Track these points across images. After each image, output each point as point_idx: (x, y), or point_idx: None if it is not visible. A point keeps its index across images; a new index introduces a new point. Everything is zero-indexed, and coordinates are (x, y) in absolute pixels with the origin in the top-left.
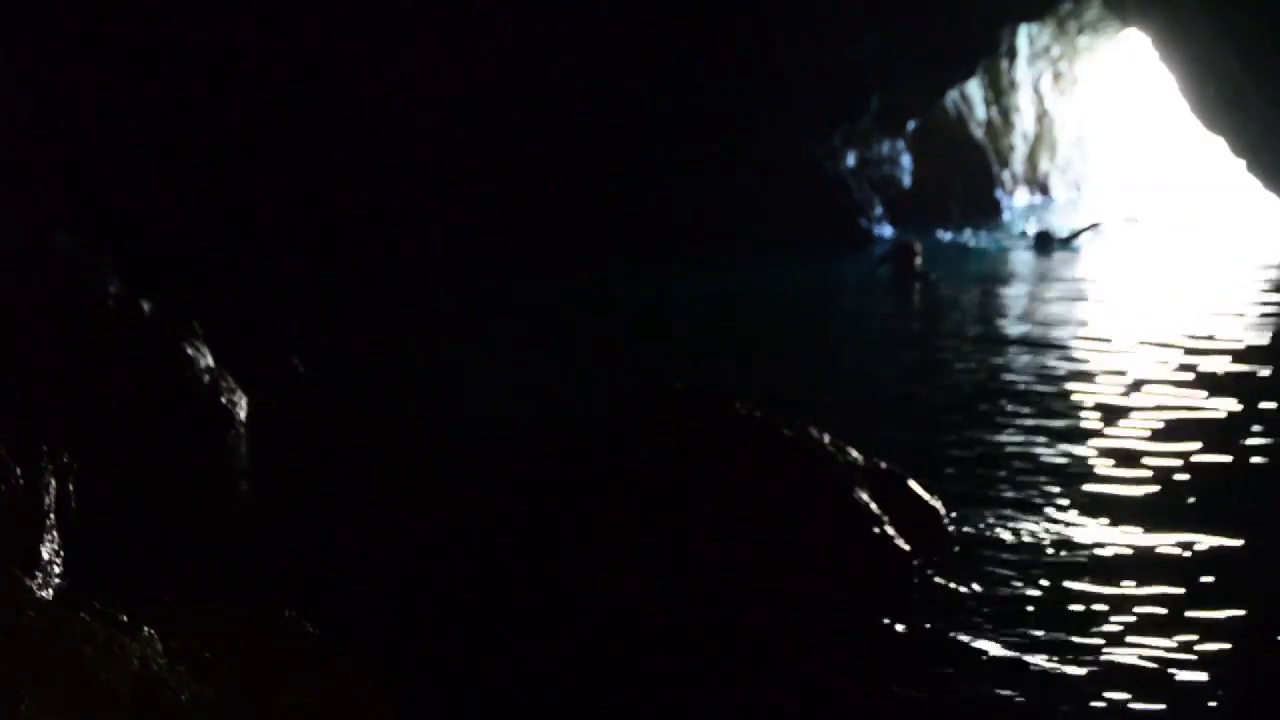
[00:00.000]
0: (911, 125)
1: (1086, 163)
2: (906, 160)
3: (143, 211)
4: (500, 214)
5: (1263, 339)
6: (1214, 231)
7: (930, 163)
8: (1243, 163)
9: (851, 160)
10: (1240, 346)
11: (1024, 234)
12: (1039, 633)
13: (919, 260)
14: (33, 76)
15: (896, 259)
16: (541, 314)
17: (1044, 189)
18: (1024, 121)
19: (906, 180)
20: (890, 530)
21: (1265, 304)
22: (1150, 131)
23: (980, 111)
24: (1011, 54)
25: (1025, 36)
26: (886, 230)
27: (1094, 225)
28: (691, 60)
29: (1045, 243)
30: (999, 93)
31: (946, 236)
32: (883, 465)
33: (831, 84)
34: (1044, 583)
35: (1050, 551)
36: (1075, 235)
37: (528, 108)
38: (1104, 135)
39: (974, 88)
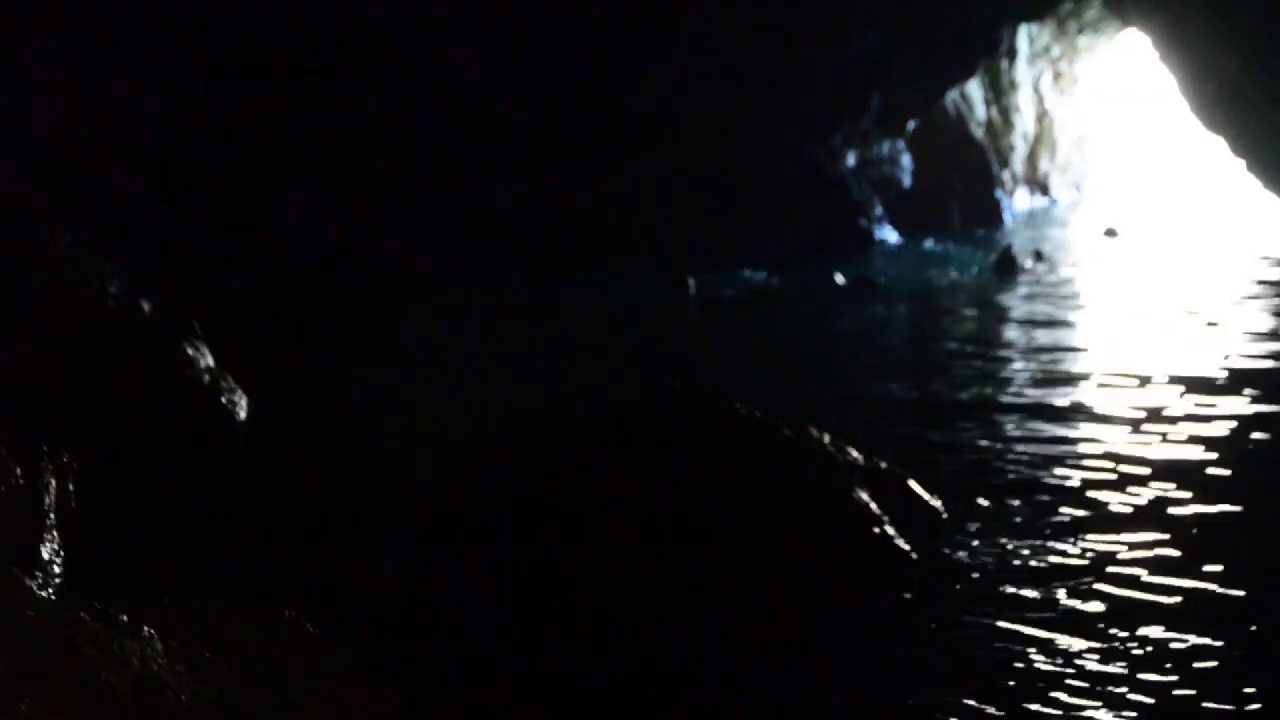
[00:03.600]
0: (912, 125)
1: (1087, 163)
2: (907, 160)
3: (143, 212)
4: (500, 214)
5: (1246, 350)
6: (1202, 241)
7: (930, 163)
8: (1242, 162)
9: (851, 160)
10: (1227, 358)
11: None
12: (1039, 632)
13: (691, 291)
14: (33, 76)
15: (677, 289)
16: (539, 314)
17: (1044, 189)
18: (1024, 121)
19: (907, 180)
20: (890, 530)
21: (1250, 318)
22: (1150, 131)
23: (980, 111)
24: (1011, 54)
25: (1025, 36)
26: (887, 230)
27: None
28: (691, 60)
29: (1007, 266)
30: (999, 93)
31: (929, 245)
32: (883, 465)
33: (832, 84)
34: (1044, 582)
35: (1050, 551)
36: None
37: (527, 106)
38: (1104, 135)
39: (974, 88)
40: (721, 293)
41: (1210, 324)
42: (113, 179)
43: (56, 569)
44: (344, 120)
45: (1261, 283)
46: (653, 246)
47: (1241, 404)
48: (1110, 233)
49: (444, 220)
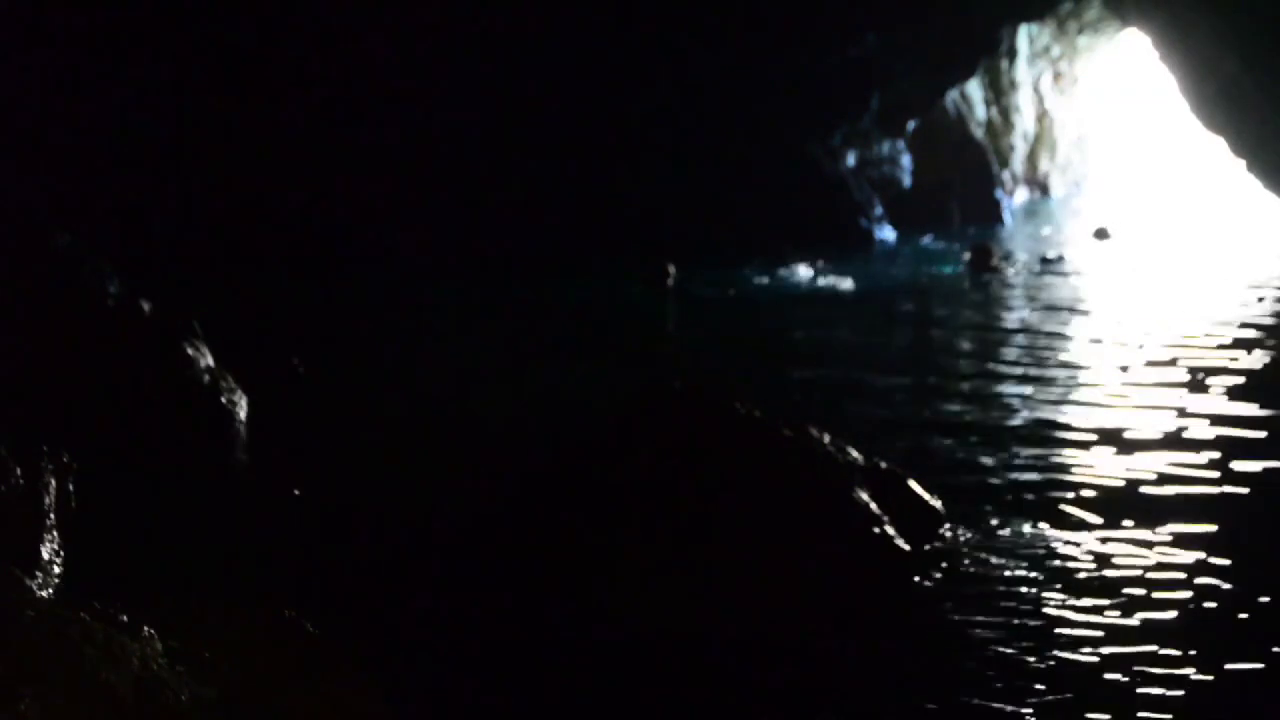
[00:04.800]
0: (912, 125)
1: (1087, 162)
2: (907, 160)
3: (143, 211)
4: (500, 214)
5: (1244, 347)
6: (1194, 244)
7: (930, 163)
8: (1243, 163)
9: (851, 160)
10: (1228, 355)
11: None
12: (1039, 632)
13: (670, 280)
14: (33, 75)
15: (655, 277)
16: (540, 314)
17: (1044, 189)
18: (1024, 121)
19: (907, 180)
20: (890, 530)
21: (1243, 315)
22: (1150, 131)
23: (980, 111)
24: (1011, 54)
25: (1025, 36)
26: (887, 230)
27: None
28: (691, 60)
29: (982, 262)
30: (999, 92)
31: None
32: (883, 465)
33: (831, 84)
34: (1044, 582)
35: (1051, 550)
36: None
37: (527, 107)
38: (1104, 135)
39: (974, 88)
40: (702, 291)
41: (1192, 327)
42: (113, 179)
43: (56, 569)
44: (344, 122)
45: (1252, 289)
46: (654, 246)
47: (1238, 405)
48: (1100, 234)
49: (444, 220)
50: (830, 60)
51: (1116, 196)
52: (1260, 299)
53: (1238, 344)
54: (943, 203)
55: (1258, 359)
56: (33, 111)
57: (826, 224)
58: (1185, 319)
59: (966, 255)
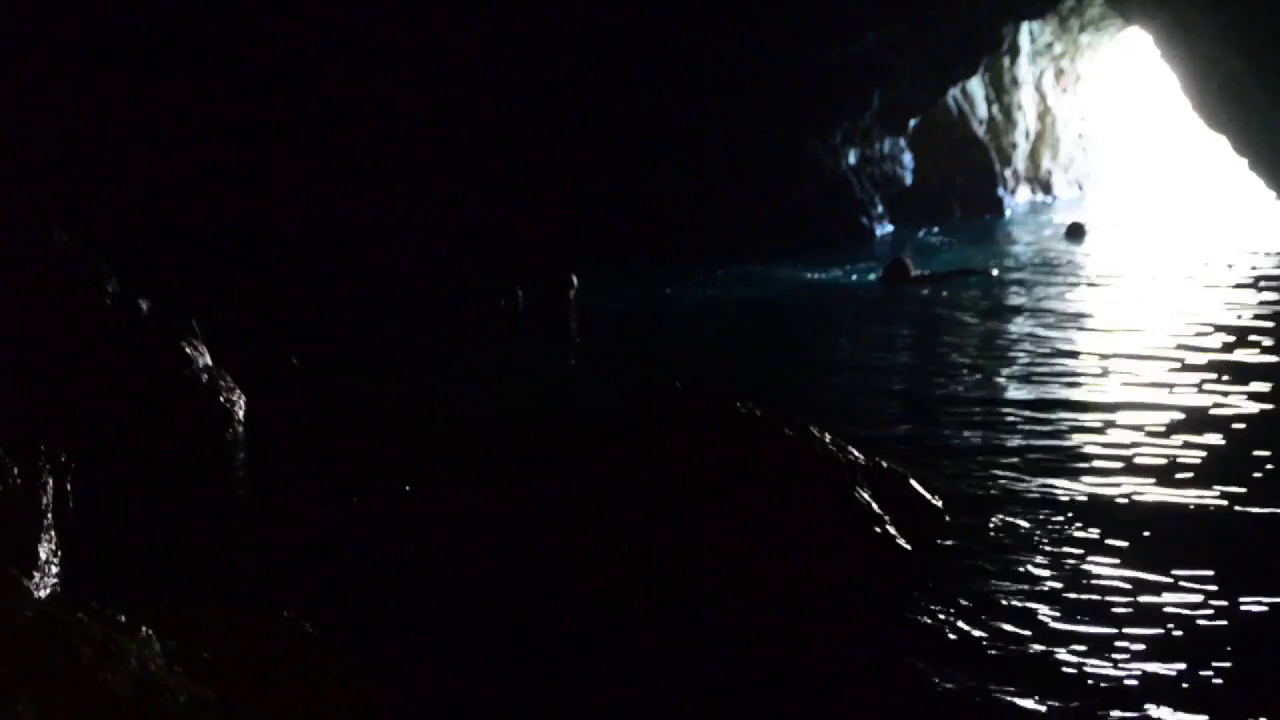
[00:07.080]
0: (913, 123)
1: (1089, 160)
2: (908, 158)
3: (143, 211)
4: (499, 213)
5: (1245, 332)
6: (1181, 243)
7: (932, 160)
8: (1245, 160)
9: (853, 158)
10: (1231, 350)
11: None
12: (1040, 631)
13: (573, 291)
14: (33, 75)
15: (554, 288)
16: (541, 314)
17: (1046, 187)
18: (1026, 119)
19: (908, 178)
20: (891, 529)
21: (1231, 306)
22: (1153, 129)
23: (982, 109)
24: (1013, 51)
25: (1027, 34)
26: (887, 228)
27: (967, 272)
28: (693, 59)
29: (897, 276)
30: (1001, 90)
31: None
32: (883, 464)
33: (833, 82)
34: (1045, 581)
35: (1051, 550)
36: (942, 274)
37: (528, 106)
38: (1106, 133)
39: (976, 85)
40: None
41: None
42: (112, 178)
43: (54, 569)
44: (342, 119)
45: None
46: (651, 245)
47: (1235, 401)
48: (1074, 233)
49: (441, 221)
50: (831, 58)
51: (1116, 194)
52: (1245, 299)
53: (1223, 342)
54: (945, 201)
55: (1244, 354)
56: (33, 112)
57: (827, 222)
58: (1172, 319)
59: (878, 273)
